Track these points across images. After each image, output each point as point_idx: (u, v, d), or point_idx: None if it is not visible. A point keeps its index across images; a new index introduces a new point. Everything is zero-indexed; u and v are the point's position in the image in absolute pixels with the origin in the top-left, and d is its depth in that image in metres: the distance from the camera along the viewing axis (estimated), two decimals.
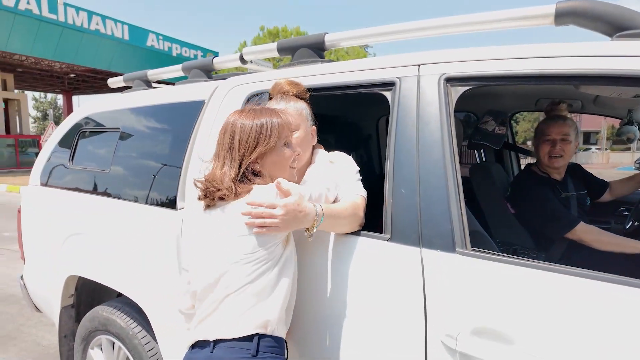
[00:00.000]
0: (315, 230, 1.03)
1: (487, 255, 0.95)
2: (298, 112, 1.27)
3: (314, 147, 1.39)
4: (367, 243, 1.11)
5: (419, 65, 1.15)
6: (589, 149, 25.26)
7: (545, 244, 1.77)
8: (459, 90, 1.09)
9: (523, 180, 1.95)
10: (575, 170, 2.08)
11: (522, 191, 1.88)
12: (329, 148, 1.45)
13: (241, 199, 1.01)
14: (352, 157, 1.37)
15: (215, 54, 23.53)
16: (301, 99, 1.32)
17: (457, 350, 0.90)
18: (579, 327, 0.81)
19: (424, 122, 1.09)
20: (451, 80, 1.09)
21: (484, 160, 2.61)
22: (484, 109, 2.13)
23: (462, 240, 0.98)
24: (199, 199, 1.09)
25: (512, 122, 2.67)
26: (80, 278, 1.86)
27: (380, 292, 1.04)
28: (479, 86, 1.08)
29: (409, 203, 1.06)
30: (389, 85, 1.20)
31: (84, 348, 1.92)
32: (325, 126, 1.44)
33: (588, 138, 30.00)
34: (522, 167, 2.45)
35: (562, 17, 1.10)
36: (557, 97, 1.96)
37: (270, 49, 1.68)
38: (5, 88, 19.51)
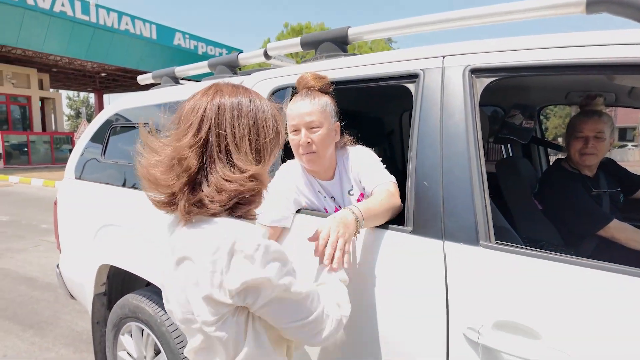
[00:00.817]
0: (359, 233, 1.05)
1: (512, 248, 0.93)
2: (322, 109, 1.27)
3: (341, 144, 1.40)
4: (390, 236, 1.11)
5: (444, 57, 1.14)
6: (625, 145, 24.10)
7: (575, 241, 1.72)
8: (484, 81, 1.07)
9: (552, 176, 1.89)
10: (608, 166, 2.00)
11: (551, 187, 1.83)
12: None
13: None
14: (375, 151, 1.38)
15: (240, 52, 23.86)
16: (326, 93, 1.32)
17: (480, 343, 0.89)
18: (604, 322, 0.79)
19: (448, 114, 1.08)
20: (476, 72, 1.07)
21: (510, 155, 2.55)
22: (511, 102, 2.08)
23: (486, 234, 0.97)
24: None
25: (542, 117, 2.60)
26: (111, 267, 1.94)
27: (403, 284, 1.04)
28: (505, 77, 1.06)
29: (431, 195, 1.06)
30: (413, 77, 1.19)
31: (115, 334, 2.01)
32: (349, 121, 1.45)
33: (624, 134, 28.67)
34: (551, 162, 2.37)
35: (594, 4, 1.06)
36: (587, 89, 1.90)
37: (294, 43, 1.69)
38: (41, 87, 20.41)
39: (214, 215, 0.76)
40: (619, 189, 1.90)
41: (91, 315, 2.13)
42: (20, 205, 8.40)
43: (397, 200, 1.18)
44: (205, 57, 21.15)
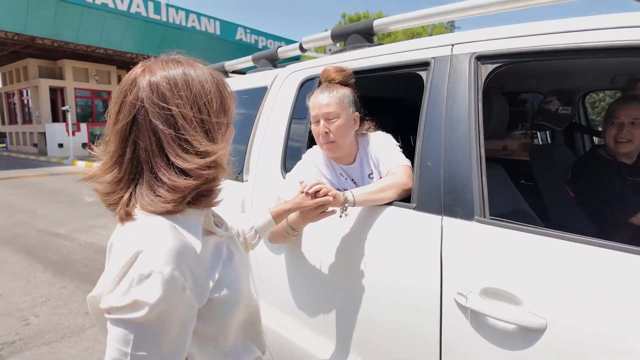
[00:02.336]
0: (345, 212, 1.17)
1: (502, 223, 1.00)
2: (339, 100, 1.36)
3: (362, 131, 1.51)
4: (397, 212, 1.22)
5: (452, 45, 1.21)
6: None
7: (608, 229, 1.68)
8: (488, 67, 1.13)
9: (585, 163, 1.84)
10: None
11: (583, 174, 1.78)
12: (388, 132, 1.56)
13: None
14: (400, 138, 1.47)
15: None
16: (346, 85, 1.42)
17: (467, 307, 0.99)
18: (581, 290, 0.85)
19: (452, 99, 1.16)
20: (481, 59, 1.13)
21: (549, 141, 2.47)
22: (549, 88, 2.04)
23: (481, 209, 1.04)
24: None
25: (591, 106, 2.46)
26: None
27: (405, 254, 1.15)
28: (508, 63, 1.11)
29: (434, 175, 1.15)
30: (425, 65, 1.27)
31: None
32: (378, 107, 1.53)
33: None
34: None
35: None
36: (636, 73, 1.81)
37: (326, 36, 1.82)
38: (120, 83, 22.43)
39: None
40: None
41: None
42: None
43: (399, 180, 1.27)
44: (265, 50, 21.89)
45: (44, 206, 7.40)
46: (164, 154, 0.68)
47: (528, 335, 0.90)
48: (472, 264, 1.00)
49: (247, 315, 0.84)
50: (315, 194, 1.14)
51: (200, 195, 0.71)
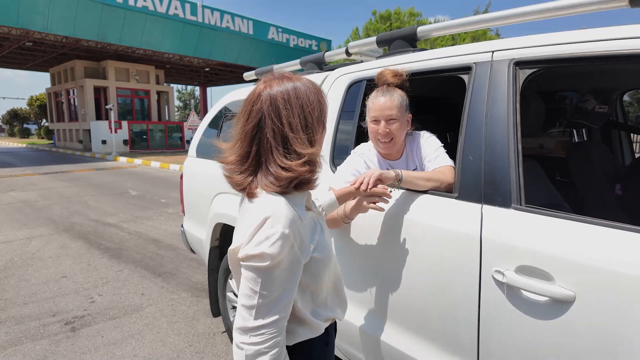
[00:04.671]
0: (396, 187, 1.34)
1: (537, 210, 1.14)
2: (400, 104, 1.51)
3: (411, 132, 1.66)
4: (441, 201, 1.37)
5: (493, 52, 1.34)
6: None
7: None
8: (526, 72, 1.26)
9: None
10: None
11: (636, 174, 1.82)
12: (427, 127, 1.71)
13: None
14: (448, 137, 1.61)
15: (329, 42, 24.43)
16: (402, 88, 1.56)
17: (504, 282, 1.13)
18: (607, 270, 0.98)
19: (492, 100, 1.30)
20: (519, 64, 1.27)
21: (585, 139, 2.52)
22: (586, 87, 2.11)
23: (517, 198, 1.18)
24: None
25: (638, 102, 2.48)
26: (224, 225, 2.47)
27: (449, 237, 1.30)
28: (544, 68, 1.23)
29: (475, 168, 1.29)
30: (467, 69, 1.41)
31: (225, 279, 2.55)
32: (428, 108, 1.62)
33: None
34: (635, 148, 2.31)
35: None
36: None
37: (371, 42, 1.98)
38: (158, 82, 23.39)
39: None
40: None
41: (207, 264, 2.71)
42: (143, 183, 10.01)
43: (445, 177, 1.42)
44: (296, 49, 22.19)
45: (94, 198, 7.96)
46: (273, 153, 0.91)
47: (558, 306, 1.04)
48: (509, 245, 1.15)
49: (334, 277, 1.09)
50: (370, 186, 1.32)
51: (301, 182, 0.92)
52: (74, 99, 22.16)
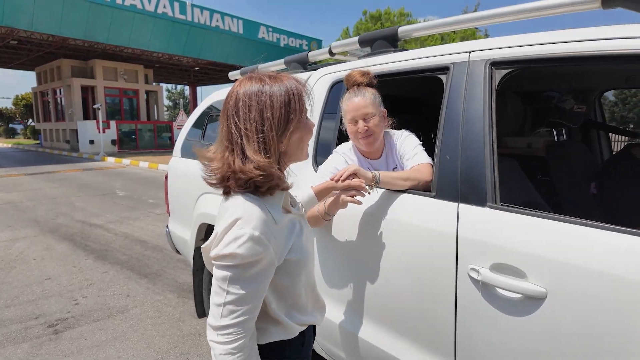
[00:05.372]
0: (372, 188, 1.36)
1: (511, 208, 1.15)
2: (373, 101, 1.53)
3: (389, 131, 1.67)
4: (419, 199, 1.38)
5: (470, 52, 1.36)
6: None
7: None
8: (502, 72, 1.28)
9: (615, 162, 1.89)
10: None
11: (611, 173, 1.84)
12: (410, 127, 1.72)
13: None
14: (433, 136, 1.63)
15: (319, 42, 24.44)
16: (372, 85, 1.59)
17: (479, 280, 1.15)
18: (577, 264, 0.99)
19: (469, 100, 1.31)
20: (495, 64, 1.28)
21: (565, 139, 2.56)
22: (564, 87, 2.14)
23: (493, 197, 1.20)
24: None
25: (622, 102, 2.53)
26: (208, 225, 2.45)
27: (425, 235, 1.32)
28: (519, 69, 1.25)
29: (452, 167, 1.30)
30: (445, 69, 1.43)
31: (210, 279, 2.53)
32: (406, 107, 1.63)
33: None
34: (614, 146, 2.35)
35: (610, 0, 1.20)
36: None
37: (354, 42, 1.99)
38: (147, 82, 23.16)
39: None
40: None
41: (192, 265, 2.69)
42: (132, 183, 9.91)
43: (422, 175, 1.43)
44: (287, 48, 22.14)
45: (81, 199, 7.85)
46: (233, 154, 0.91)
47: (531, 303, 1.06)
48: (484, 243, 1.16)
49: (312, 279, 1.08)
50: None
51: (270, 186, 0.91)
52: (60, 99, 21.84)
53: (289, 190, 1.15)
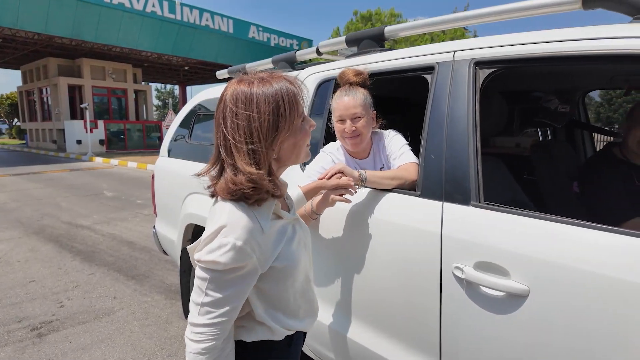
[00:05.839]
0: (358, 187, 1.37)
1: (495, 207, 1.16)
2: (363, 101, 1.53)
3: (375, 128, 1.67)
4: (404, 198, 1.39)
5: (454, 52, 1.37)
6: None
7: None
8: (486, 72, 1.28)
9: (596, 161, 1.89)
10: None
11: (592, 172, 1.85)
12: (395, 128, 1.73)
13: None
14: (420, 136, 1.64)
15: (310, 42, 24.43)
16: (364, 86, 1.59)
17: (463, 278, 1.15)
18: (559, 262, 1.00)
19: (453, 100, 1.32)
20: (479, 64, 1.29)
21: (549, 138, 2.59)
22: (549, 87, 2.17)
23: (476, 196, 1.20)
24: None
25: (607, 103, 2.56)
26: (196, 226, 2.43)
27: (411, 234, 1.32)
28: (503, 68, 1.26)
29: (436, 166, 1.31)
30: (430, 69, 1.43)
31: None
32: (394, 107, 1.62)
33: None
34: (597, 146, 2.39)
35: (591, 1, 1.22)
36: (632, 73, 1.93)
37: (340, 41, 1.99)
38: (135, 81, 22.90)
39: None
40: None
41: (179, 265, 2.66)
42: (120, 183, 9.78)
43: (408, 175, 1.44)
44: (277, 48, 22.08)
45: (67, 200, 7.73)
46: (225, 161, 0.88)
47: (514, 300, 1.06)
48: (468, 242, 1.17)
49: (304, 285, 1.06)
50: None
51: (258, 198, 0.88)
52: (47, 98, 21.48)
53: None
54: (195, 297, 0.88)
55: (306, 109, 0.96)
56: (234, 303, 0.88)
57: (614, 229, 0.96)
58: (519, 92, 2.21)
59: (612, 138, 2.93)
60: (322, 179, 1.38)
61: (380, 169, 1.67)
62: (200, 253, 0.87)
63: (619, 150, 1.78)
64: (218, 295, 0.86)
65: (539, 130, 2.59)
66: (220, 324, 0.87)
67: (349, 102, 1.52)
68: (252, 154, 0.85)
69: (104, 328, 2.86)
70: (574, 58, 1.09)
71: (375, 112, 1.62)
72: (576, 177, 2.03)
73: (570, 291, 0.98)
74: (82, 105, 17.40)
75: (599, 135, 2.73)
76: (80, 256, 4.43)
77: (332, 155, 1.66)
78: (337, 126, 1.59)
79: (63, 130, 20.10)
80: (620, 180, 1.71)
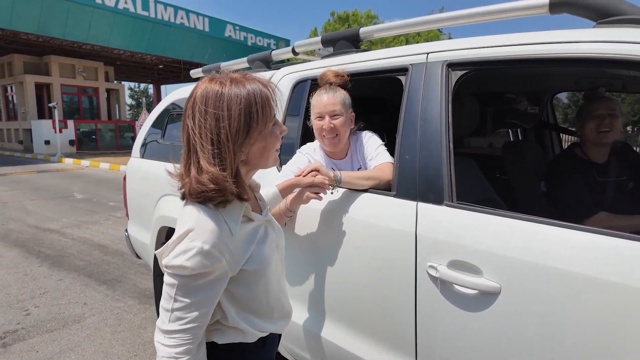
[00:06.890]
0: (334, 188, 1.39)
1: (468, 206, 1.18)
2: (342, 101, 1.55)
3: (354, 129, 1.68)
4: (379, 198, 1.39)
5: (428, 54, 1.38)
6: None
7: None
8: (458, 73, 1.31)
9: (560, 161, 1.97)
10: (623, 152, 2.01)
11: (557, 171, 1.92)
12: (373, 128, 1.74)
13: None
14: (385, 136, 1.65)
15: (287, 42, 24.34)
16: (344, 88, 1.60)
17: (437, 277, 1.17)
18: (530, 260, 1.03)
19: (426, 101, 1.33)
20: (452, 66, 1.31)
21: (519, 139, 2.67)
22: (519, 89, 2.23)
23: (450, 195, 1.22)
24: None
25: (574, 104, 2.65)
26: (169, 228, 2.37)
27: (386, 234, 1.33)
28: (475, 70, 1.29)
29: (411, 166, 1.32)
30: (404, 70, 1.45)
31: None
32: (371, 107, 1.62)
33: None
34: (564, 146, 2.47)
35: (557, 6, 1.26)
36: (595, 76, 2.01)
37: (316, 41, 1.98)
38: (107, 79, 22.19)
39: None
40: (625, 177, 1.92)
41: (153, 270, 2.60)
42: (91, 185, 9.46)
43: (384, 175, 1.45)
44: (254, 47, 21.88)
45: (34, 202, 7.42)
46: (189, 160, 0.86)
47: (486, 298, 1.08)
48: (441, 241, 1.18)
49: (276, 287, 1.04)
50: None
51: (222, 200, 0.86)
52: (12, 96, 20.52)
53: (260, 191, 1.11)
54: (165, 303, 0.86)
55: (279, 112, 0.95)
56: (205, 308, 0.87)
57: (580, 226, 0.99)
58: (490, 93, 2.27)
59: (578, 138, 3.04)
60: (299, 176, 1.40)
61: (358, 169, 1.68)
62: (167, 258, 0.85)
63: (580, 149, 1.87)
64: (187, 300, 0.84)
65: (509, 130, 2.66)
66: (193, 329, 0.86)
67: (329, 99, 1.53)
68: (218, 153, 0.83)
69: (73, 336, 2.76)
70: (542, 60, 1.12)
71: (354, 114, 1.63)
72: (544, 176, 2.09)
73: (539, 287, 1.00)
74: (50, 104, 16.73)
75: (566, 135, 2.82)
76: (49, 261, 4.26)
77: (308, 156, 1.66)
78: (315, 123, 1.59)
79: (30, 130, 19.26)
80: (582, 178, 1.78)
